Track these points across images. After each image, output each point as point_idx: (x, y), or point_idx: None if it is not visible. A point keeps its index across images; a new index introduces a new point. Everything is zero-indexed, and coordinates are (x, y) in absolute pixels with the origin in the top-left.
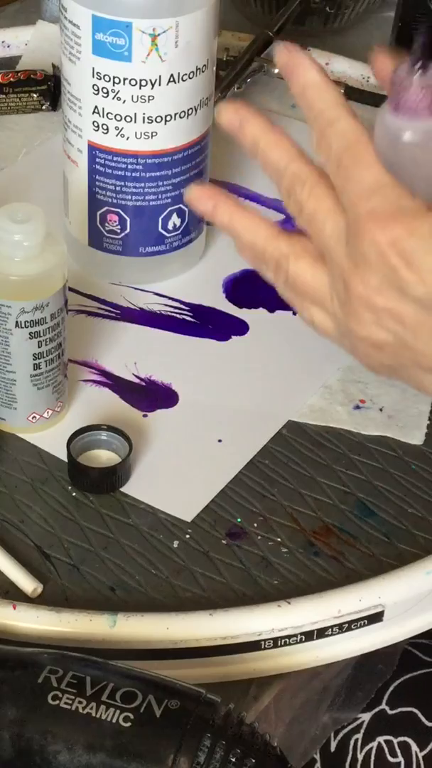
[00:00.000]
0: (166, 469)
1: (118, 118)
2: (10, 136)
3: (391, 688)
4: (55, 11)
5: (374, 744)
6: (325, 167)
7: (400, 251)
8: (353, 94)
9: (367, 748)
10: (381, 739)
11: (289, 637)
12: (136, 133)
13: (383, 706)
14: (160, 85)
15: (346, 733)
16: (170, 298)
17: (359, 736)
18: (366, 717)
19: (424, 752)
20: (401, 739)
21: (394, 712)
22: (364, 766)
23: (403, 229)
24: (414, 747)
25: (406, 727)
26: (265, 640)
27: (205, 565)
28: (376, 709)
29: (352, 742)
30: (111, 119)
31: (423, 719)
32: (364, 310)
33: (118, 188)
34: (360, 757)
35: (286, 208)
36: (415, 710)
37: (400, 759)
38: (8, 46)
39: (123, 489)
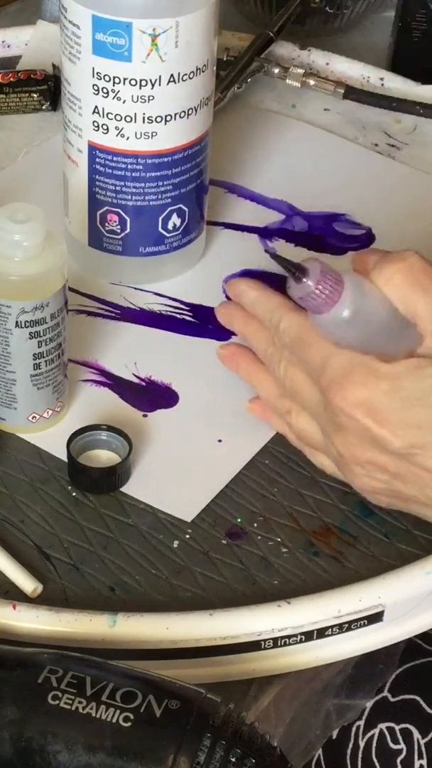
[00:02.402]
0: (166, 469)
1: (118, 118)
2: (10, 136)
3: (393, 676)
4: (55, 11)
5: (376, 731)
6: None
7: (366, 411)
8: (353, 94)
9: (368, 735)
10: (383, 726)
11: (289, 637)
12: (136, 133)
13: (385, 693)
14: (160, 85)
15: None
16: (170, 298)
17: (361, 723)
18: (368, 704)
19: (426, 739)
20: (403, 726)
21: (396, 699)
22: (365, 753)
23: (361, 390)
24: (416, 734)
25: (408, 714)
26: (265, 640)
27: (205, 565)
28: (378, 697)
29: (353, 729)
30: (111, 119)
31: (425, 706)
32: (353, 465)
33: (118, 188)
34: (361, 744)
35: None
36: (417, 698)
37: (402, 746)
38: (8, 46)
39: (123, 489)
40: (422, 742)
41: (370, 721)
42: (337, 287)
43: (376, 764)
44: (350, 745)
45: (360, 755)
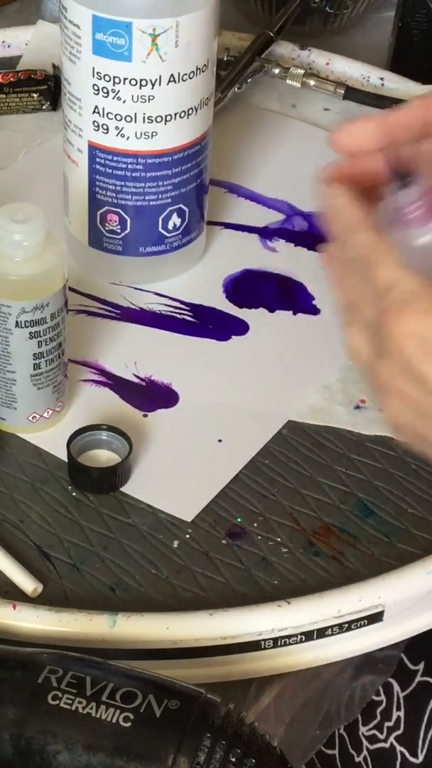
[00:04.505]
0: (166, 469)
1: (118, 118)
2: (10, 136)
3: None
4: (55, 11)
5: (358, 683)
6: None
7: (417, 343)
8: (353, 94)
9: (353, 684)
10: (366, 679)
11: (289, 637)
12: (136, 133)
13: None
14: (160, 85)
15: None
16: (170, 298)
17: (346, 676)
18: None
19: (405, 692)
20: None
21: (381, 655)
22: (350, 702)
23: (419, 321)
24: (396, 687)
25: (390, 669)
26: (265, 640)
27: (205, 565)
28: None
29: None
30: (111, 119)
31: (408, 663)
32: (390, 394)
33: (118, 188)
34: (346, 693)
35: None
36: (402, 654)
37: (383, 698)
38: (8, 46)
39: (123, 489)
40: (401, 695)
41: (354, 675)
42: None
43: (358, 714)
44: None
45: (345, 702)
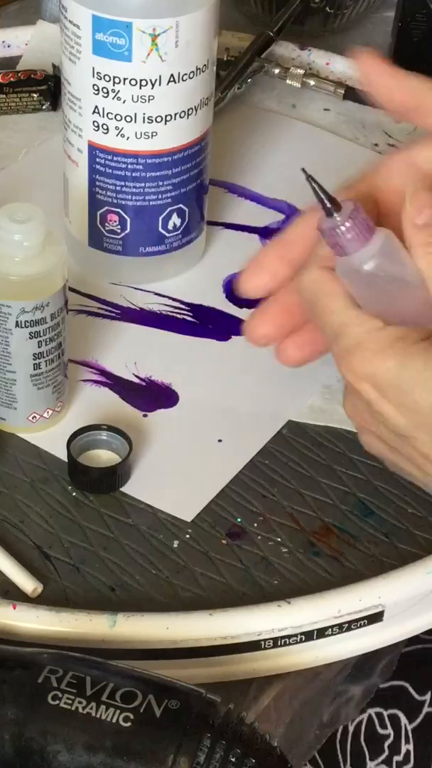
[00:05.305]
0: (166, 469)
1: (118, 118)
2: (10, 136)
3: (382, 663)
4: (55, 11)
5: (365, 716)
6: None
7: (372, 386)
8: (353, 94)
9: (357, 719)
10: (371, 711)
11: (289, 637)
12: (136, 133)
13: (375, 679)
14: (160, 85)
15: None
16: (170, 298)
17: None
18: (357, 690)
19: (413, 725)
20: (391, 711)
21: (385, 686)
22: (354, 738)
23: (369, 364)
24: (403, 719)
25: (396, 700)
26: (265, 640)
27: (205, 565)
28: (369, 683)
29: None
30: (111, 119)
31: (413, 693)
32: (360, 428)
33: (118, 188)
34: (351, 728)
35: None
36: (406, 684)
37: (390, 731)
38: (8, 46)
39: (123, 489)
40: (409, 727)
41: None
42: (368, 232)
43: (365, 748)
44: (339, 730)
45: (349, 740)
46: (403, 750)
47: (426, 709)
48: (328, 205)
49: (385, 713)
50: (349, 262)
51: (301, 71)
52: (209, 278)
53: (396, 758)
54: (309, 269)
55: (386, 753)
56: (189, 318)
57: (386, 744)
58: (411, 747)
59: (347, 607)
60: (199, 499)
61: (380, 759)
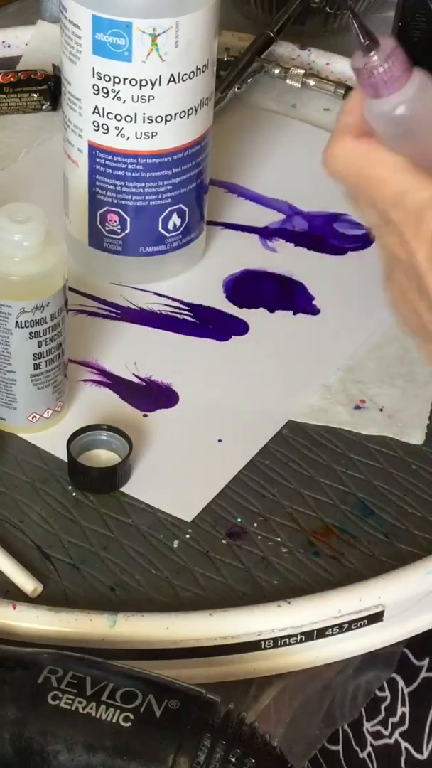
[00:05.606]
0: (166, 469)
1: (118, 118)
2: (10, 136)
3: (382, 662)
4: (55, 11)
5: (362, 680)
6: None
7: (423, 257)
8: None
9: (355, 682)
10: (370, 674)
11: (289, 637)
12: (136, 133)
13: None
14: (160, 85)
15: None
16: (170, 298)
17: (350, 671)
18: (357, 690)
19: (410, 688)
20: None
21: (383, 653)
22: (352, 701)
23: (422, 241)
24: (401, 682)
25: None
26: (265, 640)
27: (205, 565)
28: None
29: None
30: (111, 119)
31: (412, 658)
32: (398, 293)
33: (118, 188)
34: (349, 690)
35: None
36: (406, 650)
37: (387, 693)
38: (8, 46)
39: (123, 489)
40: (406, 691)
41: (358, 670)
42: (405, 72)
43: (362, 710)
44: (338, 692)
45: (347, 701)
46: (399, 712)
47: (423, 674)
48: (365, 42)
49: (383, 676)
50: (383, 106)
51: (301, 71)
52: (209, 278)
53: (392, 719)
54: (339, 142)
55: (383, 714)
56: (189, 318)
57: (383, 706)
58: (407, 709)
59: (347, 607)
60: (199, 499)
61: (376, 720)
